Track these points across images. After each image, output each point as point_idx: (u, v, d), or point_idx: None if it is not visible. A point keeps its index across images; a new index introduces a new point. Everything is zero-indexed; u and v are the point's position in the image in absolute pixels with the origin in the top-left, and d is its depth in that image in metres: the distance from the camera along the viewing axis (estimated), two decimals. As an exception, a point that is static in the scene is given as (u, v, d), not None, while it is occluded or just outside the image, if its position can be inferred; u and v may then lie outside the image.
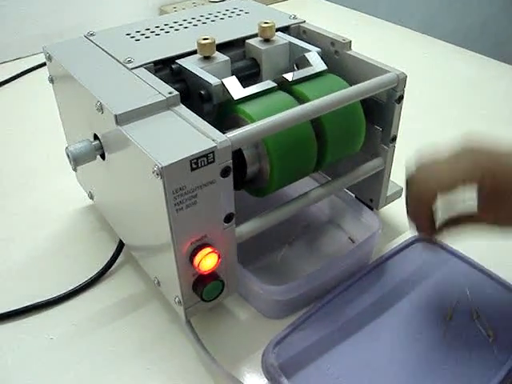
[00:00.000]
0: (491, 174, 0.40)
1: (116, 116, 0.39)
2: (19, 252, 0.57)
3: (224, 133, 0.38)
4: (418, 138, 0.73)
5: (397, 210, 0.60)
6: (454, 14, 1.81)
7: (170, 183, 0.35)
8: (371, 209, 0.55)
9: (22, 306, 0.50)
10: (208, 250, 0.40)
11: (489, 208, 0.42)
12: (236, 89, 0.44)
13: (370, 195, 0.56)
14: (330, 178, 0.55)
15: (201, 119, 0.40)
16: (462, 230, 0.45)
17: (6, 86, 0.91)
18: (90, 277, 0.52)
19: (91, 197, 0.58)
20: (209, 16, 0.57)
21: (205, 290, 0.41)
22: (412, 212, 0.45)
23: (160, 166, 0.35)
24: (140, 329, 0.48)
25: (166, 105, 0.41)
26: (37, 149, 0.74)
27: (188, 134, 0.38)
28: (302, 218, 0.58)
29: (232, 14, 0.58)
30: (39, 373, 0.45)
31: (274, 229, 0.47)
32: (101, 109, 0.41)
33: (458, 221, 0.45)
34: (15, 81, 0.93)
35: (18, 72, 0.93)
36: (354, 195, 0.57)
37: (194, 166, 0.36)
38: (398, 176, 0.55)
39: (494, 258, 0.53)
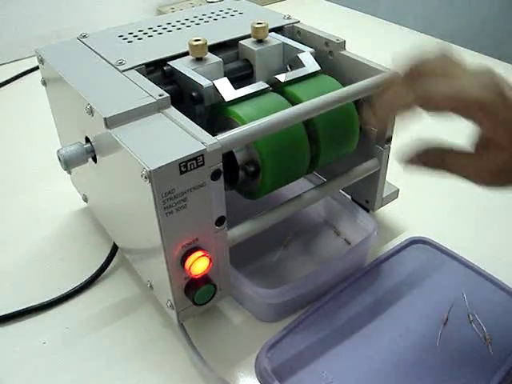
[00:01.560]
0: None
1: (105, 119, 0.39)
2: (12, 255, 0.57)
3: (214, 135, 0.38)
4: (415, 137, 0.73)
5: (393, 211, 0.59)
6: (454, 14, 1.80)
7: (159, 187, 0.35)
8: (367, 210, 0.55)
9: (14, 310, 0.49)
10: (199, 253, 0.40)
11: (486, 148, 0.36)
12: (227, 90, 0.44)
13: (365, 196, 0.55)
14: (325, 180, 0.54)
15: (191, 122, 0.39)
16: (443, 169, 0.38)
17: (4, 87, 0.91)
18: (83, 280, 0.52)
19: (85, 199, 0.58)
20: (202, 17, 0.57)
21: (197, 293, 0.41)
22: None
23: (148, 170, 0.34)
24: (133, 333, 0.48)
25: (156, 107, 0.40)
26: (33, 151, 0.74)
27: (177, 137, 0.38)
28: (297, 220, 0.58)
29: (226, 15, 0.57)
30: (31, 378, 0.45)
31: (269, 231, 0.46)
32: (91, 112, 0.41)
33: (442, 156, 0.39)
34: (13, 83, 0.92)
35: (16, 74, 0.93)
36: (349, 197, 0.57)
37: (183, 169, 0.35)
38: (393, 177, 0.55)
39: (491, 259, 0.52)
